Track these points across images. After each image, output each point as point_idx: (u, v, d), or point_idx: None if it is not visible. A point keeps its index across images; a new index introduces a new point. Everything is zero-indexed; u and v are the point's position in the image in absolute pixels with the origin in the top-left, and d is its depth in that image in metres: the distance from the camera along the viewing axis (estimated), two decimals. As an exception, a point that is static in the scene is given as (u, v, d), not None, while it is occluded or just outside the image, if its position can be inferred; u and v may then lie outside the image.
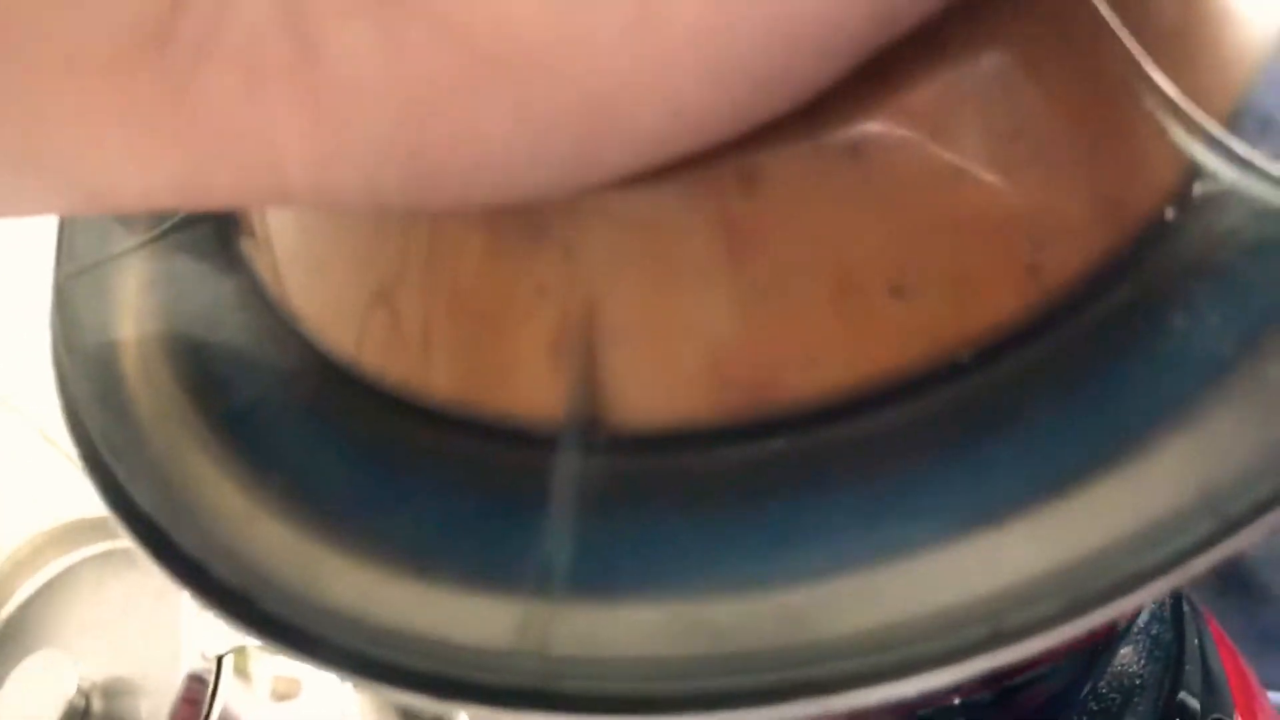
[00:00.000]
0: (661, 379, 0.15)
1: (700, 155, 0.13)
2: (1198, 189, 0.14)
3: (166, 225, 0.20)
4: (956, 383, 0.14)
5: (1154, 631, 0.32)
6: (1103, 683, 0.31)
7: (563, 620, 0.14)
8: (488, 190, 0.13)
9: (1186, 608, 0.35)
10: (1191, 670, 0.32)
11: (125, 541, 0.16)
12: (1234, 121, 0.15)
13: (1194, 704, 0.33)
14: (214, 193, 0.14)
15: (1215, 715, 0.32)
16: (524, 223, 0.15)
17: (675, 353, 0.15)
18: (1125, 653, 0.31)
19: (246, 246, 0.19)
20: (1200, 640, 0.35)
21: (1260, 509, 0.12)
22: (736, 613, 0.13)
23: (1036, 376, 0.14)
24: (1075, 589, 0.12)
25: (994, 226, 0.14)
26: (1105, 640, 0.31)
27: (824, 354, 0.14)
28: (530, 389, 0.15)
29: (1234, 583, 0.51)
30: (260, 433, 0.17)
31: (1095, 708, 0.31)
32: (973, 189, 0.14)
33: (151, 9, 0.12)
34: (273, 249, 0.18)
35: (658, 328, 0.15)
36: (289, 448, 0.17)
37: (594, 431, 0.15)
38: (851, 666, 0.13)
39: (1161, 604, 0.34)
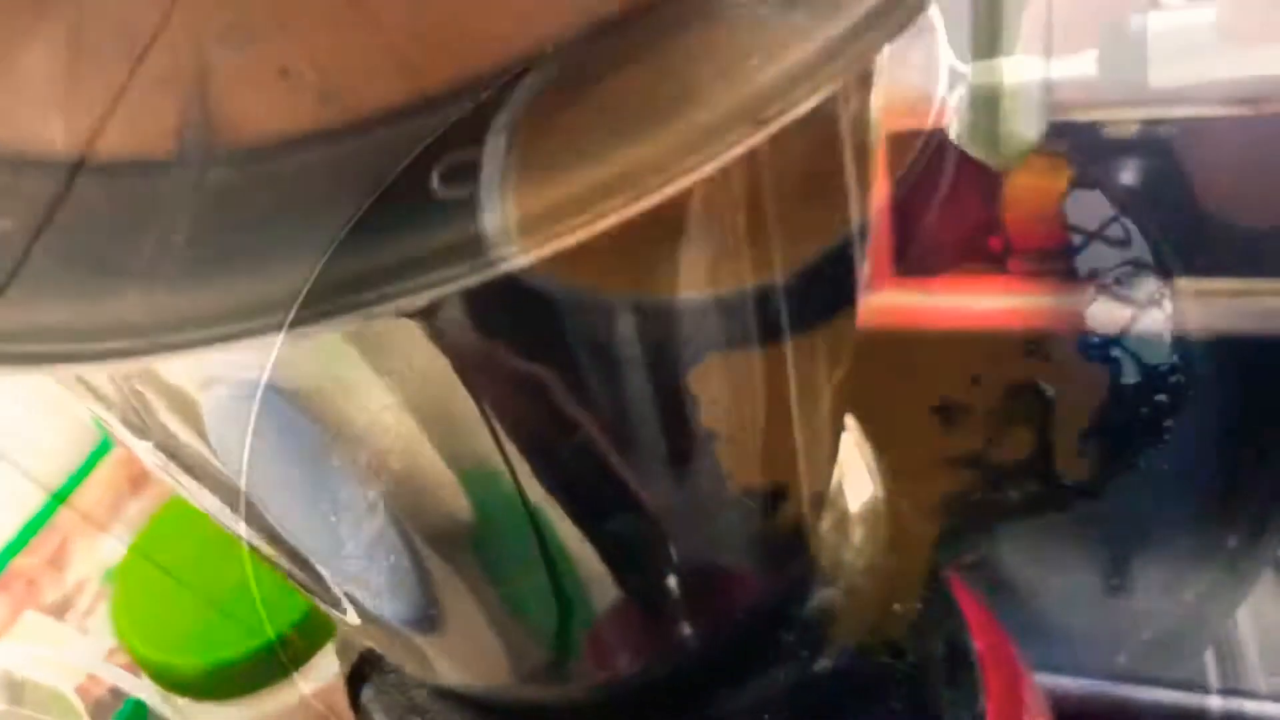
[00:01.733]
0: (257, 101, 0.16)
1: None
2: None
3: None
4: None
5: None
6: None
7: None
8: None
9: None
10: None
11: None
12: None
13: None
14: None
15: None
16: None
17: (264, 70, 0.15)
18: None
19: None
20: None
21: (785, 109, 0.14)
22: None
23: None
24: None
25: None
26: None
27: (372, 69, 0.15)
28: (145, 127, 0.16)
29: (1001, 584, 0.54)
30: None
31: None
32: None
33: None
34: None
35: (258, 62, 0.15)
36: None
37: (207, 152, 0.15)
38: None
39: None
